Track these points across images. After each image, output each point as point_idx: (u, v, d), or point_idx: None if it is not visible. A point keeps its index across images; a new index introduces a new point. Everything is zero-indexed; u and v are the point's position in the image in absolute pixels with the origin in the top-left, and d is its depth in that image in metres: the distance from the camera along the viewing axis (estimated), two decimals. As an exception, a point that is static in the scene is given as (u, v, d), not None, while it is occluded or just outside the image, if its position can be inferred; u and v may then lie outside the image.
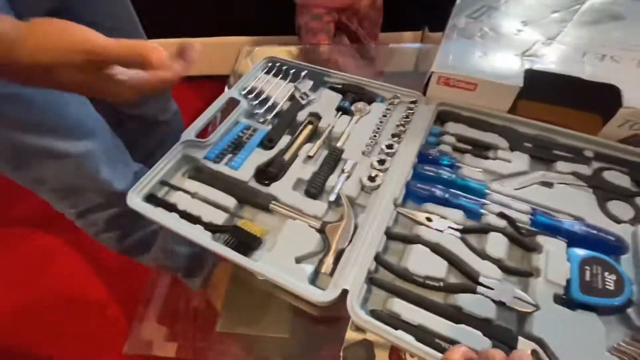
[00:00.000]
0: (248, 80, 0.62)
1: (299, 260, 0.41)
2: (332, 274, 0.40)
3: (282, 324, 0.48)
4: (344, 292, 0.37)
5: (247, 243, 0.43)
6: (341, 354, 0.83)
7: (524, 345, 0.34)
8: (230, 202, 0.47)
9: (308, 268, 0.41)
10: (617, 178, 0.46)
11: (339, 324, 0.45)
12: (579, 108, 0.56)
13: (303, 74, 0.63)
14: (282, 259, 0.41)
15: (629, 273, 0.38)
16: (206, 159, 0.51)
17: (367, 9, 0.98)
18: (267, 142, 0.53)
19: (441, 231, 0.42)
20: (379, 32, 1.08)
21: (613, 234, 0.41)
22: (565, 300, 0.37)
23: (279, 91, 0.60)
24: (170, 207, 0.46)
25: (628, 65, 0.51)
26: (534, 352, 0.34)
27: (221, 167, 0.50)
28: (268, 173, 0.49)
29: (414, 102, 0.56)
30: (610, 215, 0.43)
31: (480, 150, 0.51)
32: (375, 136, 0.52)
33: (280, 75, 0.63)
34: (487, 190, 0.46)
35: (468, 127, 0.53)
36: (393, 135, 0.52)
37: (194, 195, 0.48)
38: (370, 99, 0.58)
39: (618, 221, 0.42)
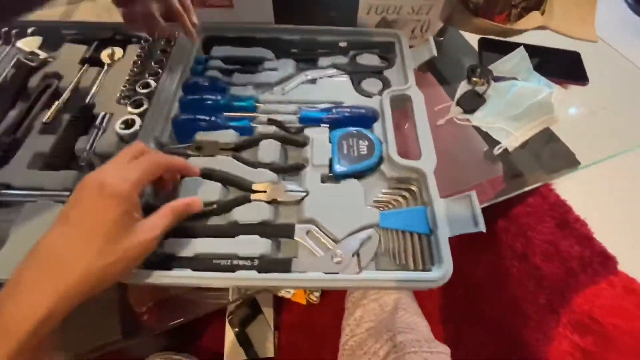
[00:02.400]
0: (-52, 55, 0.46)
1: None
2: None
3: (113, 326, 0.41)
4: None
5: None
6: (227, 320, 0.81)
7: (300, 231, 0.35)
8: None
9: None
10: (368, 60, 0.50)
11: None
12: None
13: (30, 30, 0.50)
14: (20, 255, 0.33)
15: (380, 136, 0.42)
16: None
17: None
18: (-15, 121, 0.41)
19: (212, 155, 0.40)
20: None
21: (365, 107, 0.44)
22: (331, 177, 0.39)
23: (-3, 59, 0.47)
24: None
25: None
26: (309, 232, 0.35)
27: None
28: (-11, 159, 0.38)
29: (173, 35, 0.50)
30: (364, 92, 0.46)
31: (249, 66, 0.49)
32: (131, 80, 0.45)
33: (1, 41, 0.49)
34: (256, 104, 0.44)
35: (234, 47, 0.50)
36: (151, 74, 0.46)
37: None
38: (124, 42, 0.50)
39: (370, 96, 0.46)
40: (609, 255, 1.00)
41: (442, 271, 0.31)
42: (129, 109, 0.42)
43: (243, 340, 0.74)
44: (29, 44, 0.48)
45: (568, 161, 0.50)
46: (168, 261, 0.33)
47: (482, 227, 0.32)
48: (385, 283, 0.32)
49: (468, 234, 0.33)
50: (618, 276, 0.97)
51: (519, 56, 0.54)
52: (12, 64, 0.47)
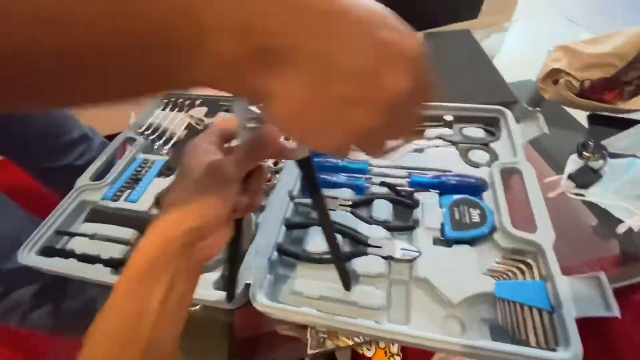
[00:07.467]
0: (144, 118, 0.64)
1: (203, 271, 0.42)
2: (237, 274, 0.41)
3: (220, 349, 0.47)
4: (248, 286, 0.38)
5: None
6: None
7: (416, 288, 0.38)
8: (129, 233, 0.46)
9: (213, 275, 0.41)
10: (474, 132, 0.54)
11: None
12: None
13: (198, 102, 0.66)
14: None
15: (490, 205, 0.44)
16: (104, 200, 0.51)
17: None
18: (166, 170, 0.54)
19: (334, 210, 0.46)
20: None
21: (474, 177, 0.47)
22: (442, 240, 0.42)
23: (175, 123, 0.63)
24: (67, 254, 0.45)
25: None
26: (425, 292, 0.38)
27: (120, 204, 0.50)
28: (168, 198, 0.50)
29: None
30: (471, 162, 0.50)
31: (363, 134, 0.57)
32: (268, 143, 0.56)
33: (177, 109, 0.66)
34: (369, 167, 0.51)
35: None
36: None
37: (92, 236, 0.47)
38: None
39: (477, 166, 0.49)
40: None
41: (570, 353, 0.30)
42: (270, 166, 0.52)
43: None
44: (197, 112, 0.64)
45: None
46: (297, 298, 0.38)
47: (617, 312, 0.31)
48: (505, 355, 0.32)
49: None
50: None
51: (637, 133, 0.53)
52: (184, 127, 0.62)
